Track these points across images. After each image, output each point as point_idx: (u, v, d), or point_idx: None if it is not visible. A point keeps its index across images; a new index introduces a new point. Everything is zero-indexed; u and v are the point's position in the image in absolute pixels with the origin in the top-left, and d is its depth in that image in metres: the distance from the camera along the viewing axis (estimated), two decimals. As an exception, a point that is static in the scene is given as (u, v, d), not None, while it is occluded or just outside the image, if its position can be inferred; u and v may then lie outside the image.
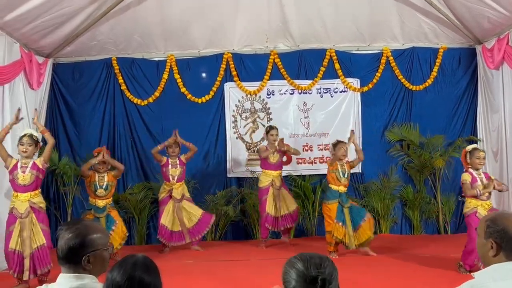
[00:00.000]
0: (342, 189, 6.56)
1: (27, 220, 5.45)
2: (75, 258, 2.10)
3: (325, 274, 1.83)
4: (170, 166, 7.05)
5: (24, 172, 5.52)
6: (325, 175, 8.16)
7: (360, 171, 8.21)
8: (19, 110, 5.85)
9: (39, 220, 5.53)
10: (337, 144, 6.68)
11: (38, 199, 5.62)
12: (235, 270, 5.95)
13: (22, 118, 5.92)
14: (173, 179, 7.05)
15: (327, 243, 6.61)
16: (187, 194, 7.21)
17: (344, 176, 6.57)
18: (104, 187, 6.40)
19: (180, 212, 7.03)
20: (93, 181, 6.43)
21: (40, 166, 5.61)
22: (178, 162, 7.10)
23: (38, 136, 5.74)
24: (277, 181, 7.20)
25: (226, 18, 7.85)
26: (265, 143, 7.64)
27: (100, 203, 6.41)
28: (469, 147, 5.79)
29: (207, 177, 8.12)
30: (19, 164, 5.55)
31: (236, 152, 8.16)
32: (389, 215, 8.15)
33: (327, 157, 8.19)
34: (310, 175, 8.17)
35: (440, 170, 8.11)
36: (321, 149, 8.29)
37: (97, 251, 2.14)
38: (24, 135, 5.58)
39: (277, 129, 7.33)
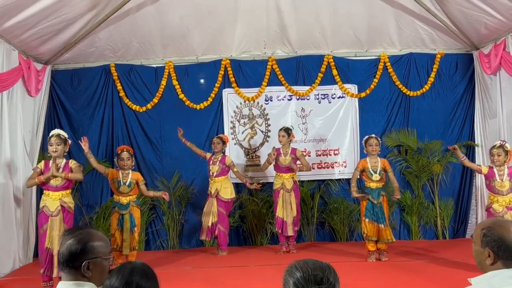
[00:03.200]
0: (373, 185, 6.57)
1: (57, 218, 5.53)
2: (75, 264, 2.09)
3: None
4: (211, 162, 7.24)
5: (58, 171, 5.58)
6: (323, 181, 8.22)
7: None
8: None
9: (65, 221, 5.58)
10: (367, 140, 6.71)
11: (68, 199, 5.68)
12: (233, 277, 5.94)
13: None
14: (212, 175, 7.19)
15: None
16: (221, 193, 7.17)
17: (375, 173, 6.58)
18: (127, 184, 6.34)
19: (210, 207, 7.20)
20: (116, 178, 6.34)
21: (72, 167, 5.67)
22: (219, 159, 7.22)
23: (65, 134, 5.78)
24: (287, 184, 7.18)
25: (225, 25, 7.87)
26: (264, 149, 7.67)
27: (124, 200, 6.31)
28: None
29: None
30: (50, 164, 5.61)
31: (234, 158, 8.13)
32: (388, 221, 8.14)
33: (325, 163, 8.24)
34: (308, 180, 8.16)
35: (438, 175, 8.13)
36: (319, 155, 8.30)
37: (97, 259, 2.13)
38: (52, 136, 5.65)
39: (285, 130, 7.29)
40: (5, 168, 6.56)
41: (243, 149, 8.37)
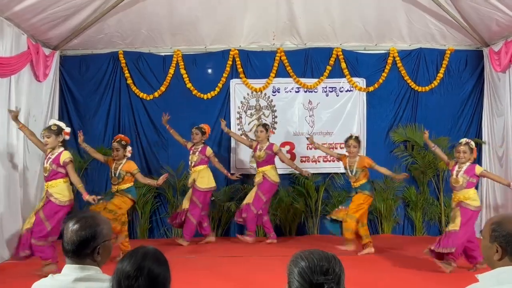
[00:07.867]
0: (352, 184, 6.78)
1: (39, 205, 5.71)
2: (85, 250, 2.12)
3: (333, 283, 1.71)
4: (191, 152, 7.31)
5: (47, 162, 5.68)
6: (328, 174, 8.22)
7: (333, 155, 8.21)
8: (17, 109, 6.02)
9: (44, 210, 5.59)
10: (346, 140, 6.83)
11: (54, 190, 5.64)
12: (237, 266, 5.97)
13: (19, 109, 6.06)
14: (191, 164, 7.27)
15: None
16: (197, 183, 7.16)
17: (351, 173, 6.73)
18: (117, 175, 6.35)
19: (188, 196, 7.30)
20: (111, 168, 6.46)
21: (61, 162, 5.64)
22: (199, 149, 7.25)
23: (61, 124, 5.81)
24: (256, 177, 7.36)
25: (234, 15, 7.84)
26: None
27: (114, 188, 6.40)
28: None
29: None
30: (49, 155, 5.71)
31: (240, 148, 8.15)
32: (392, 216, 8.15)
33: (331, 156, 8.21)
34: (313, 173, 8.11)
35: (443, 171, 8.08)
36: (325, 148, 8.28)
37: (106, 242, 2.17)
38: (44, 128, 5.76)
39: (263, 125, 7.46)
40: (11, 152, 6.57)
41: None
